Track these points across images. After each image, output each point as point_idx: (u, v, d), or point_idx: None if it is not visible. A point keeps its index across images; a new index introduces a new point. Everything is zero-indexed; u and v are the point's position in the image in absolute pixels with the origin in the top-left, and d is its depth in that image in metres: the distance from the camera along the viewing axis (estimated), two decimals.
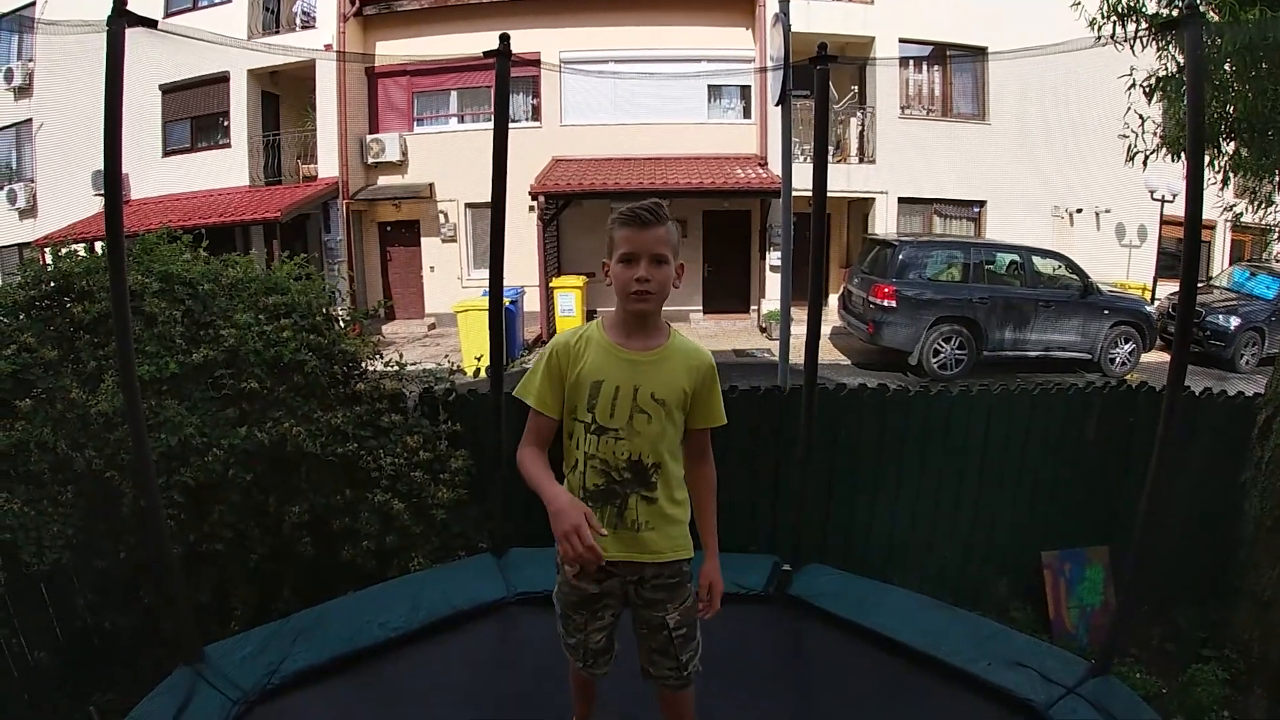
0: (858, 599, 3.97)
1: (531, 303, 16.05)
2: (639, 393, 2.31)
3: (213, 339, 4.20)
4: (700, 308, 18.49)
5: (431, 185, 18.34)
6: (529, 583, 3.94)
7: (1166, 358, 3.44)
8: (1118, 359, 13.36)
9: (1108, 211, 18.00)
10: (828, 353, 14.38)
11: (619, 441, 2.31)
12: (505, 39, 4.09)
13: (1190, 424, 5.32)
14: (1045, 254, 13.75)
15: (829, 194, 4.14)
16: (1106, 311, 13.28)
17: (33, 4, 18.79)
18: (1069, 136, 17.18)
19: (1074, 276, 13.40)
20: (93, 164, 17.61)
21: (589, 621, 2.50)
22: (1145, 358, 13.55)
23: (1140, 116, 7.01)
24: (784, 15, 6.84)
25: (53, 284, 4.34)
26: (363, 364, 4.62)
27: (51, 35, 17.07)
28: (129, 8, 3.10)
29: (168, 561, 3.35)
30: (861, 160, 17.52)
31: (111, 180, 3.12)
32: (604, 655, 2.55)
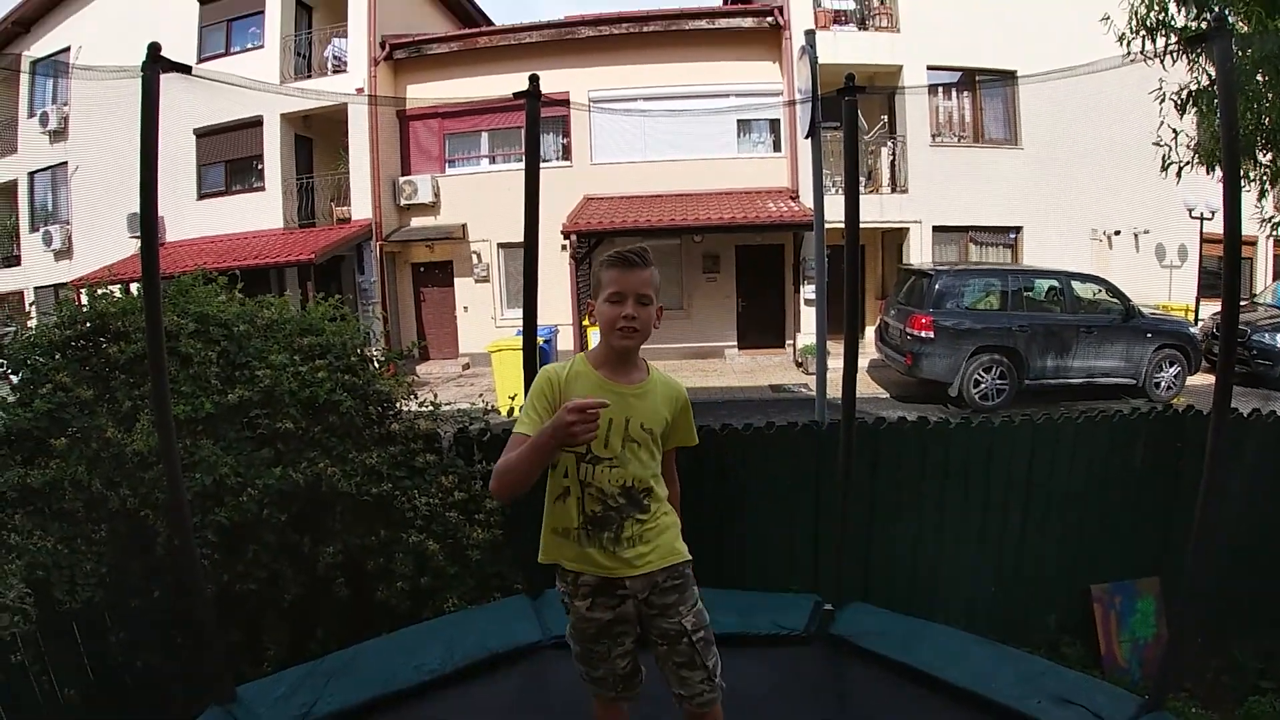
0: (902, 637, 3.87)
1: (565, 342, 16.01)
2: (630, 424, 2.43)
3: (248, 379, 4.20)
4: (735, 343, 18.23)
5: (464, 226, 18.47)
6: (565, 625, 3.84)
7: (1213, 380, 3.35)
8: (1163, 383, 13.06)
9: (1146, 232, 17.72)
10: (866, 386, 14.17)
11: (613, 469, 2.42)
12: (535, 80, 4.10)
13: (1238, 447, 5.15)
14: (1085, 278, 13.51)
15: (862, 225, 4.09)
16: (1149, 335, 13.00)
17: (67, 49, 19.32)
18: (1104, 157, 16.96)
19: (1115, 300, 13.15)
20: (128, 206, 18.00)
21: (611, 649, 2.57)
22: (1191, 380, 13.22)
23: (1173, 130, 6.91)
24: (810, 47, 6.82)
25: (89, 324, 4.37)
26: (397, 404, 4.61)
27: (86, 80, 17.48)
28: (163, 54, 3.14)
29: (201, 601, 3.33)
30: (894, 190, 17.39)
31: (147, 223, 3.14)
32: (634, 678, 2.63)
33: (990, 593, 5.22)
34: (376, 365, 4.66)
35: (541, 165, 4.15)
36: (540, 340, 4.45)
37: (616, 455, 2.42)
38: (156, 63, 3.11)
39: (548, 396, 2.40)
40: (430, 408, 4.69)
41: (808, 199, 16.11)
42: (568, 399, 2.33)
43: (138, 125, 3.05)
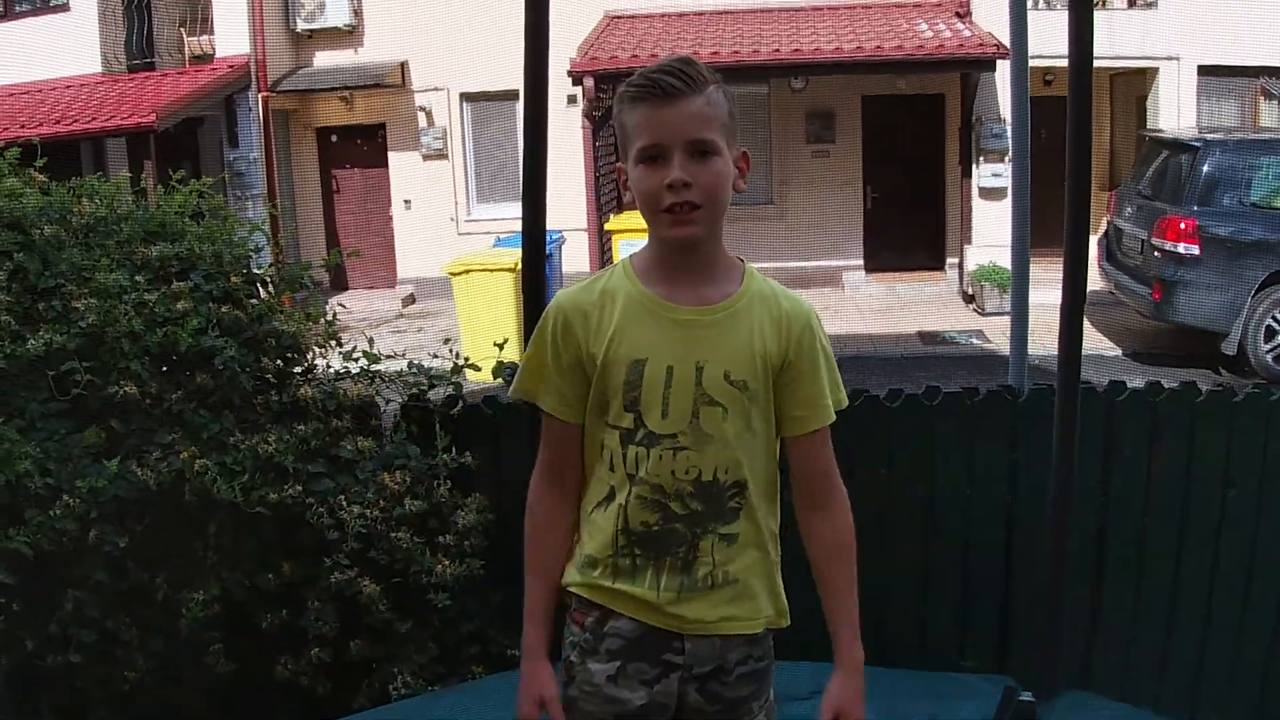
0: None
1: (576, 259, 11.33)
2: (704, 373, 1.64)
3: (59, 315, 3.04)
4: (860, 262, 13.00)
5: (404, 65, 12.96)
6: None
7: None
8: None
9: None
10: (1084, 335, 11.19)
11: (680, 453, 1.65)
12: None
13: None
14: None
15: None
16: None
17: None
18: None
19: None
20: None
21: None
22: None
23: None
24: None
25: None
26: (309, 357, 3.37)
27: None
28: None
29: None
30: (1133, 4, 12.24)
31: None
32: None
33: None
34: (271, 292, 3.37)
35: None
36: None
37: (685, 429, 1.63)
38: None
39: (566, 351, 1.64)
40: (363, 363, 3.41)
41: (988, 18, 11.36)
42: (604, 340, 1.61)
43: None
